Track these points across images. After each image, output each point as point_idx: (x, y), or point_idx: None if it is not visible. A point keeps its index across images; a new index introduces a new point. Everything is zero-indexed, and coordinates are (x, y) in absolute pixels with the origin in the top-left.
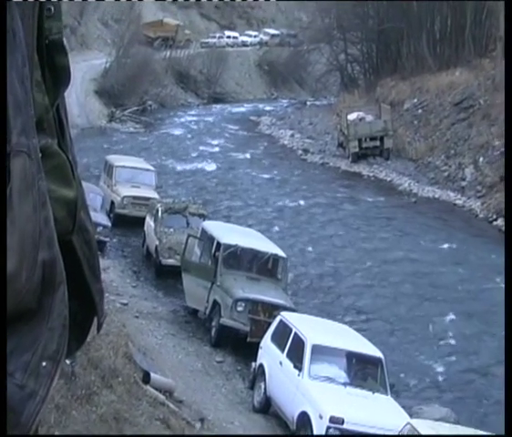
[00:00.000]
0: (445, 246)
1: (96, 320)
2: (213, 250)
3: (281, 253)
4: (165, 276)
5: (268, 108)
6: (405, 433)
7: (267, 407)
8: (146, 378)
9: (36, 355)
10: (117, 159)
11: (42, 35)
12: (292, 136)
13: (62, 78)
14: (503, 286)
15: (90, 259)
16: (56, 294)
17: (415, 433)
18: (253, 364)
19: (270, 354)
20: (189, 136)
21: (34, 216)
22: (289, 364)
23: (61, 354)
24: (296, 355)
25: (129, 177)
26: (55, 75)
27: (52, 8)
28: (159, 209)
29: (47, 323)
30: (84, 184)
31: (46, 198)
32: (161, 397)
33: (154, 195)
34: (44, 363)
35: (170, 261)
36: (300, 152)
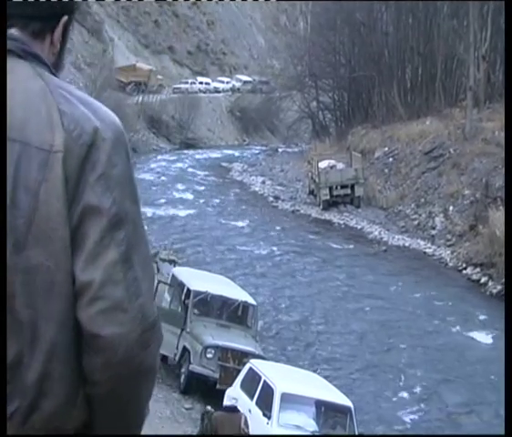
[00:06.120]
0: (415, 294)
1: None
2: (183, 297)
3: (251, 300)
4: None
5: (239, 155)
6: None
7: None
8: None
9: None
10: None
11: None
12: (264, 182)
13: None
14: (473, 335)
15: None
16: None
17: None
18: None
19: (239, 402)
20: (161, 181)
21: None
22: (258, 412)
23: None
24: (265, 403)
25: None
26: None
27: None
28: None
29: None
30: None
31: None
32: None
33: None
34: None
35: None
36: (271, 199)
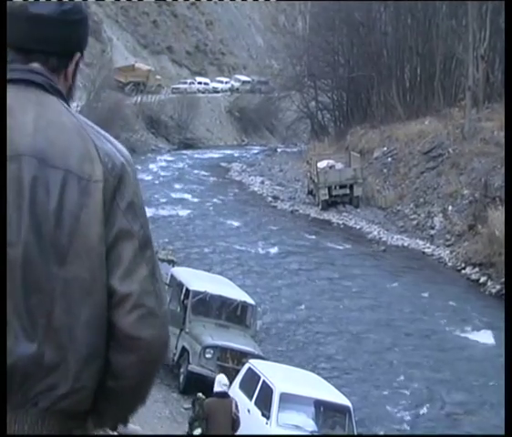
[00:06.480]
0: (413, 294)
1: None
2: (182, 297)
3: (250, 300)
4: None
5: (238, 155)
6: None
7: None
8: None
9: None
10: None
11: None
12: (262, 182)
13: None
14: (472, 334)
15: None
16: None
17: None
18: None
19: (238, 402)
20: (160, 181)
21: None
22: (257, 412)
23: None
24: (264, 403)
25: None
26: None
27: None
28: None
29: None
30: None
31: None
32: None
33: None
34: None
35: None
36: (270, 199)
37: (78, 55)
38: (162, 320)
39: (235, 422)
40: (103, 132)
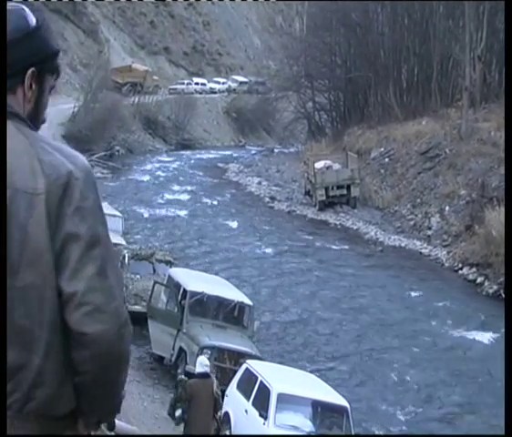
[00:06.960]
0: (411, 295)
1: None
2: (179, 297)
3: (247, 301)
4: (131, 322)
5: (235, 155)
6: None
7: None
8: (110, 425)
9: None
10: None
11: None
12: (260, 183)
13: None
14: (469, 335)
15: None
16: None
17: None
18: (219, 412)
19: (235, 402)
20: (157, 182)
21: None
22: (254, 412)
23: None
24: (262, 403)
25: None
26: None
27: None
28: (126, 256)
29: None
30: None
31: None
32: None
33: (121, 241)
34: None
35: (137, 308)
36: (267, 200)
37: (31, 70)
38: (110, 314)
39: (217, 401)
40: (53, 143)
